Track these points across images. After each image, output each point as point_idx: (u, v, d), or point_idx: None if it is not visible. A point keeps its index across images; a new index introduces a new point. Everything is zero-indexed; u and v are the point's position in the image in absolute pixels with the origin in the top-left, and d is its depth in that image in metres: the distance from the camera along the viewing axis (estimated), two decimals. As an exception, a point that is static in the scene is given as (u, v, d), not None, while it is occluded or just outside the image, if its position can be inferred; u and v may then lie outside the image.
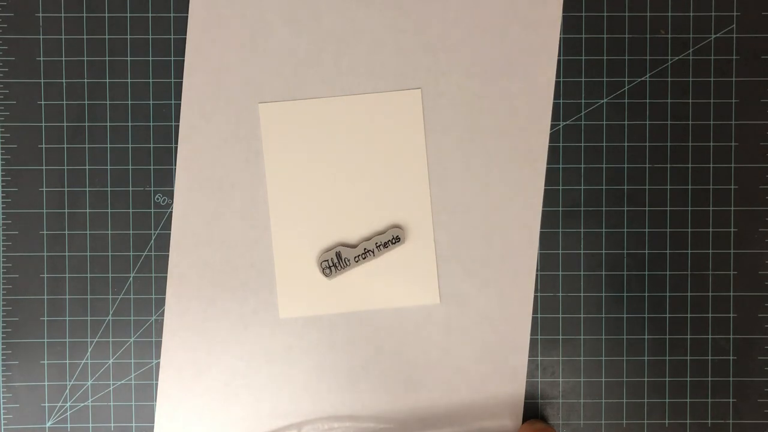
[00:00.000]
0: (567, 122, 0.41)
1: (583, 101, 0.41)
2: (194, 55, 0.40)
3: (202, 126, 0.40)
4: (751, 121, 0.41)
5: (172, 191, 0.41)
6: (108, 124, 0.41)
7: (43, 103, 0.41)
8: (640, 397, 0.41)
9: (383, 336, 0.41)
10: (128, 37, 0.41)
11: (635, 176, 0.41)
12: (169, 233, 0.41)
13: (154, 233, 0.41)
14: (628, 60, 0.41)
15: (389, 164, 0.40)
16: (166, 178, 0.41)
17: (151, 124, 0.41)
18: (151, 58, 0.41)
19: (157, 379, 0.41)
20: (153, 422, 0.41)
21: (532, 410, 0.41)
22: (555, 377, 0.41)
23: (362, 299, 0.40)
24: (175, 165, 0.41)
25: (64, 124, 0.41)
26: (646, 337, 0.41)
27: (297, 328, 0.41)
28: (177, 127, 0.41)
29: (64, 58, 0.41)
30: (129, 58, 0.41)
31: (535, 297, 0.41)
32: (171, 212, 0.41)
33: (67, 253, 0.41)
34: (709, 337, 0.41)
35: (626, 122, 0.41)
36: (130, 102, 0.41)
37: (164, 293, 0.41)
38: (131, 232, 0.41)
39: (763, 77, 0.41)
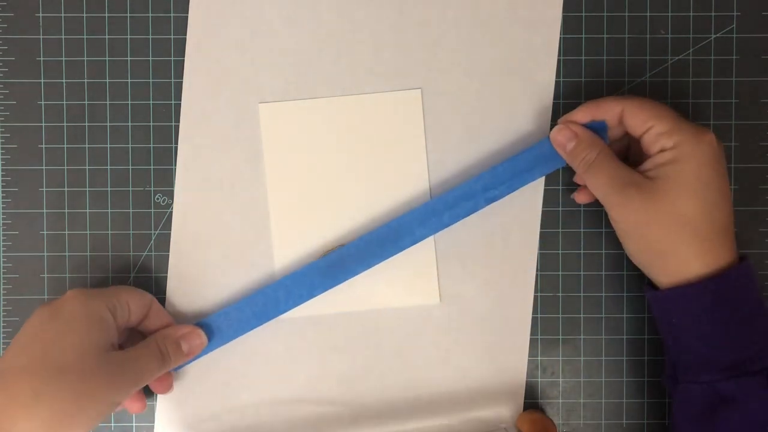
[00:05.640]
0: (567, 122, 0.41)
1: (583, 101, 0.41)
2: (194, 55, 0.40)
3: (202, 126, 0.40)
4: (751, 121, 0.41)
5: (172, 191, 0.41)
6: (108, 124, 0.41)
7: (43, 103, 0.41)
8: (640, 397, 0.41)
9: (383, 336, 0.41)
10: (128, 37, 0.41)
11: (635, 176, 0.41)
12: (169, 233, 0.41)
13: (154, 233, 0.41)
14: (628, 60, 0.41)
15: (389, 164, 0.40)
16: (166, 178, 0.41)
17: (151, 124, 0.41)
18: (151, 58, 0.41)
19: (157, 379, 0.41)
20: (153, 422, 0.41)
21: (532, 410, 0.41)
22: (555, 377, 0.41)
23: (362, 299, 0.40)
24: (175, 165, 0.41)
25: (64, 124, 0.41)
26: (646, 337, 0.41)
27: (297, 328, 0.41)
28: (177, 127, 0.41)
29: (64, 58, 0.41)
30: (129, 58, 0.41)
31: (535, 297, 0.41)
32: (171, 212, 0.41)
33: (67, 253, 0.41)
34: (709, 337, 0.41)
35: (626, 122, 0.41)
36: (130, 102, 0.41)
37: (164, 293, 0.41)
38: (131, 232, 0.41)
39: (763, 77, 0.41)
